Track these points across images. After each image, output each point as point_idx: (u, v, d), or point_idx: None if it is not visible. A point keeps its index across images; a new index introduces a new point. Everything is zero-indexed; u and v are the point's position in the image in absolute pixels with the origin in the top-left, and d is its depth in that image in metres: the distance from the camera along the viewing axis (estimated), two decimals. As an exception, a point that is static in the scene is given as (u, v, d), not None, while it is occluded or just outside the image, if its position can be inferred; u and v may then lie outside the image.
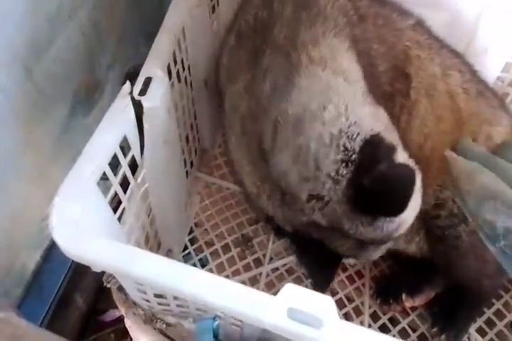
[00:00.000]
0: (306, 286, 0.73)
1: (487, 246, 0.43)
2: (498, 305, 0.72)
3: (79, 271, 0.73)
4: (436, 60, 0.60)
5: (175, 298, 0.45)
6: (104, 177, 0.48)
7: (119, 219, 0.51)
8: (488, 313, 0.71)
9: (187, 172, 0.76)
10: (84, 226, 0.38)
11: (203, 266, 0.75)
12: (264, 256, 0.77)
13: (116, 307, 0.59)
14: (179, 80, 0.65)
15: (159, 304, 0.49)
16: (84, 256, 0.35)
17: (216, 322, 0.45)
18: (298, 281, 0.74)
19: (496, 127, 0.61)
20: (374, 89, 0.51)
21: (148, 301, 0.49)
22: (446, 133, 0.56)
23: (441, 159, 0.55)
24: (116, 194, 0.50)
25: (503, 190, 0.45)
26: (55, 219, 0.37)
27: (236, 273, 0.74)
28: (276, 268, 0.75)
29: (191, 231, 0.79)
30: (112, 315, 0.81)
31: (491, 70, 0.78)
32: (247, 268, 0.75)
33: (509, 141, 0.59)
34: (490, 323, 0.71)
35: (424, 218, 0.60)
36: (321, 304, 0.37)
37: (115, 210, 0.49)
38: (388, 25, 0.60)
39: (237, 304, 0.35)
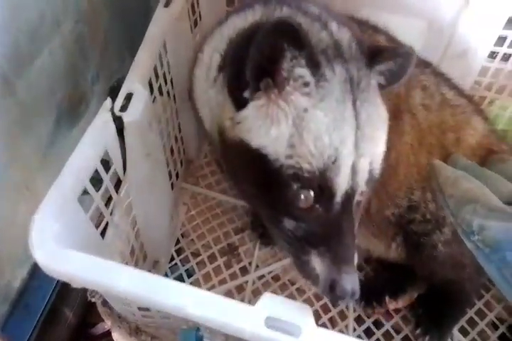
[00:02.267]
0: (291, 293, 0.75)
1: (464, 241, 0.45)
2: (479, 304, 0.74)
3: (67, 285, 0.73)
4: None
5: (160, 310, 0.46)
6: (87, 192, 0.48)
7: (103, 233, 0.52)
8: (470, 313, 0.73)
9: (172, 183, 0.77)
10: (65, 243, 0.38)
11: (189, 276, 0.76)
12: (250, 264, 0.78)
13: (104, 320, 0.59)
14: (161, 94, 0.67)
15: (144, 316, 0.49)
16: (62, 273, 0.36)
17: (200, 333, 0.46)
18: (284, 288, 0.76)
19: (467, 131, 0.63)
20: None
21: (133, 314, 0.50)
22: (407, 144, 0.59)
23: (406, 166, 0.59)
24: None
25: (485, 194, 0.47)
26: (34, 236, 0.37)
27: (223, 282, 0.75)
28: (262, 276, 0.77)
29: (178, 241, 0.80)
30: (102, 328, 0.81)
31: (468, 74, 0.81)
32: (233, 276, 0.76)
33: (496, 159, 0.62)
34: (472, 323, 0.72)
35: (399, 223, 0.61)
36: (299, 312, 0.38)
37: (100, 224, 0.50)
38: None
39: (216, 315, 0.36)
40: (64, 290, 0.73)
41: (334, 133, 0.41)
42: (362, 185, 0.43)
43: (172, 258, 0.77)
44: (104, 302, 0.52)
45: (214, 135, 0.51)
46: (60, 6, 0.63)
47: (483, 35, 0.76)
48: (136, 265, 0.63)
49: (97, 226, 0.50)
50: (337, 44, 0.44)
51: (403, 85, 0.62)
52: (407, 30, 0.75)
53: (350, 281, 0.41)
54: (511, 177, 0.51)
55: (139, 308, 0.47)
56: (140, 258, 0.66)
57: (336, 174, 0.41)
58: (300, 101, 0.41)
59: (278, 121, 0.41)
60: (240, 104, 0.44)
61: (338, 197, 0.42)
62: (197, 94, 0.55)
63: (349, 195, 0.42)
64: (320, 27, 0.45)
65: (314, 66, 0.41)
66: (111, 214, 0.53)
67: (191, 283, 0.75)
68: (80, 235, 0.44)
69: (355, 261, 0.44)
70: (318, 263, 0.42)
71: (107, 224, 0.53)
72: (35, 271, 0.69)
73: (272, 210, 0.45)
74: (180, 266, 0.77)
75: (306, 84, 0.41)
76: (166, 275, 0.75)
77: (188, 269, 0.77)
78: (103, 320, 0.78)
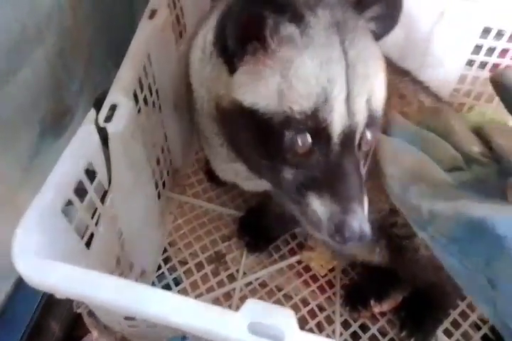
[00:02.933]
0: (279, 299, 0.75)
1: (417, 233, 0.43)
2: (462, 305, 0.75)
3: (53, 298, 0.72)
4: None
5: (144, 319, 0.46)
6: (72, 203, 0.49)
7: (89, 243, 0.52)
8: (454, 314, 0.74)
9: (159, 192, 0.78)
10: (48, 254, 0.39)
11: (177, 284, 0.76)
12: (237, 271, 0.78)
13: (91, 331, 0.59)
14: (146, 104, 0.67)
15: (130, 326, 0.50)
16: (46, 284, 0.36)
17: (186, 341, 0.46)
18: (271, 294, 0.76)
19: None
20: None
21: (119, 324, 0.50)
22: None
23: None
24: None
25: (428, 170, 0.44)
26: (16, 249, 0.38)
27: (210, 290, 0.75)
28: (250, 283, 0.77)
29: (165, 250, 0.80)
30: (90, 339, 0.80)
31: (447, 82, 0.83)
32: (220, 284, 0.76)
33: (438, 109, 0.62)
34: (455, 324, 0.73)
35: (382, 226, 0.63)
36: (282, 317, 0.38)
37: (85, 234, 0.51)
38: None
39: (200, 322, 0.36)
40: (49, 303, 0.72)
41: (322, 74, 0.41)
42: (361, 125, 0.42)
43: (159, 267, 0.78)
44: (90, 313, 0.52)
45: (211, 116, 0.52)
46: (42, 20, 0.63)
47: (461, 44, 0.78)
48: (122, 275, 0.63)
49: (82, 237, 0.50)
50: None
51: None
52: (385, 40, 0.78)
53: (358, 219, 0.40)
54: (444, 134, 0.49)
55: (125, 318, 0.47)
56: (126, 267, 0.66)
57: (328, 113, 0.41)
58: (286, 55, 0.42)
59: (266, 76, 0.42)
60: (233, 69, 0.45)
61: (336, 138, 0.41)
62: (194, 79, 0.57)
63: (348, 136, 0.42)
64: None
65: (298, 19, 0.42)
66: (96, 224, 0.54)
67: (179, 292, 0.75)
68: (64, 246, 0.44)
69: (365, 202, 0.42)
70: (318, 206, 0.41)
71: (92, 234, 0.53)
72: (20, 284, 0.69)
73: (272, 163, 0.44)
74: (167, 274, 0.77)
75: (291, 38, 0.42)
76: (154, 284, 0.75)
77: (175, 278, 0.77)
78: (90, 332, 0.78)
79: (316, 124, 0.41)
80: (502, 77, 0.45)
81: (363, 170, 0.45)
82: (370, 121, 0.43)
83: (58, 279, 0.36)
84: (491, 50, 0.79)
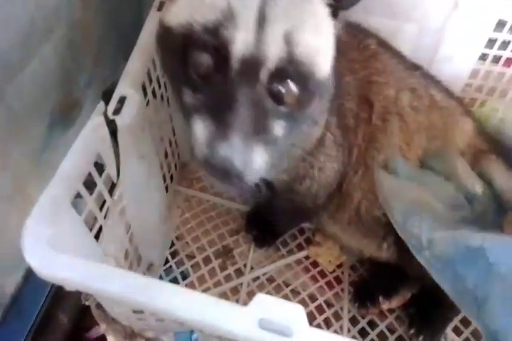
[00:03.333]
0: (286, 294, 0.75)
1: (415, 256, 0.45)
2: (472, 304, 0.74)
3: (61, 289, 0.73)
4: (391, 81, 0.64)
5: (152, 313, 0.46)
6: (81, 196, 0.49)
7: (97, 236, 0.52)
8: (463, 312, 0.73)
9: (167, 186, 0.78)
10: (58, 246, 0.39)
11: (184, 278, 0.76)
12: (244, 265, 0.78)
13: (99, 323, 0.59)
14: (155, 97, 0.67)
15: (138, 319, 0.50)
16: (56, 276, 0.36)
17: (194, 335, 0.46)
18: (278, 289, 0.76)
19: (455, 132, 0.65)
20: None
21: (127, 317, 0.50)
22: (395, 146, 0.60)
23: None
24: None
25: (429, 202, 0.46)
26: (27, 240, 0.38)
27: (217, 284, 0.75)
28: (257, 277, 0.77)
29: (172, 244, 0.80)
30: (96, 332, 0.81)
31: (459, 77, 0.82)
32: (228, 278, 0.76)
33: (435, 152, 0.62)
34: (465, 322, 0.73)
35: (389, 223, 0.62)
36: (291, 312, 0.38)
37: (94, 227, 0.51)
38: (353, 53, 0.63)
39: (209, 316, 0.36)
40: (58, 294, 0.73)
41: None
42: (272, 59, 0.38)
43: (167, 261, 0.78)
44: (98, 306, 0.52)
45: None
46: (52, 13, 0.63)
47: (474, 38, 0.77)
48: (130, 268, 0.63)
49: (90, 230, 0.50)
50: None
51: (392, 87, 0.64)
52: (397, 34, 0.77)
53: (232, 151, 0.36)
54: (448, 175, 0.51)
55: (133, 311, 0.47)
56: (134, 261, 0.66)
57: (231, 32, 0.37)
58: None
59: None
60: None
61: (236, 63, 0.37)
62: None
63: (251, 66, 0.37)
64: None
65: None
66: (105, 217, 0.54)
67: (186, 286, 0.75)
68: (73, 239, 0.44)
69: (258, 147, 0.38)
70: (199, 129, 0.38)
71: (100, 227, 0.53)
72: (29, 276, 0.69)
73: (178, 85, 0.42)
74: (175, 268, 0.77)
75: None
76: (161, 277, 0.75)
77: (182, 272, 0.77)
78: (98, 324, 0.78)
79: (217, 42, 0.37)
80: None
81: (278, 123, 0.41)
82: (292, 66, 0.39)
83: (68, 271, 0.36)
84: (505, 44, 0.77)
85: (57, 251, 0.37)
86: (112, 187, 0.58)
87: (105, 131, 0.51)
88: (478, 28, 0.75)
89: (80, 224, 0.46)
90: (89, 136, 0.48)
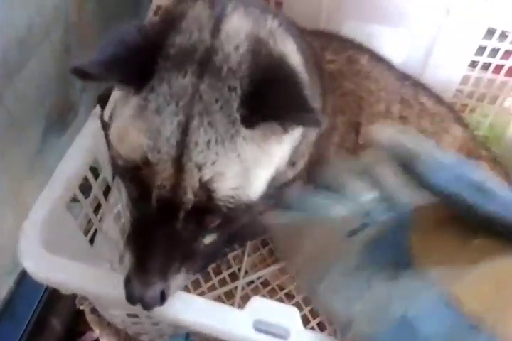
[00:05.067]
0: (281, 298, 0.75)
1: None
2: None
3: (55, 294, 0.73)
4: (383, 95, 0.65)
5: (148, 316, 0.46)
6: (76, 200, 0.49)
7: (92, 240, 0.52)
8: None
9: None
10: (54, 250, 0.39)
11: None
12: (239, 270, 0.78)
13: (93, 328, 0.59)
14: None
15: (133, 323, 0.50)
16: (52, 280, 0.36)
17: (190, 339, 0.46)
18: (273, 293, 0.76)
19: (446, 138, 0.65)
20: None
21: (122, 321, 0.50)
22: None
23: None
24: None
25: (328, 249, 0.40)
26: (22, 243, 0.38)
27: (212, 289, 0.75)
28: (252, 282, 0.77)
29: (167, 248, 0.79)
30: (90, 336, 0.80)
31: (450, 83, 0.83)
32: (222, 282, 0.76)
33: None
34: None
35: None
36: (287, 315, 0.39)
37: (89, 231, 0.51)
38: (348, 71, 0.65)
39: (205, 319, 0.36)
40: (51, 299, 0.72)
41: (146, 142, 0.37)
42: (188, 200, 0.37)
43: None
44: (93, 310, 0.52)
45: None
46: (49, 15, 0.64)
47: (464, 45, 0.79)
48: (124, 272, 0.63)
49: (85, 233, 0.50)
50: (210, 51, 0.39)
51: (383, 102, 0.65)
52: (390, 41, 0.78)
53: (140, 289, 0.37)
54: (334, 187, 0.46)
55: (128, 315, 0.47)
56: (129, 265, 0.66)
57: (149, 178, 0.37)
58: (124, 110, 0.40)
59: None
60: None
61: (155, 202, 0.38)
62: None
63: (169, 206, 0.38)
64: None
65: (142, 77, 0.39)
66: (100, 221, 0.54)
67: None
68: (68, 242, 0.44)
69: (170, 275, 0.38)
70: (127, 258, 0.39)
71: (95, 231, 0.53)
72: (22, 280, 0.69)
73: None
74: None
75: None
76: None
77: (177, 276, 0.77)
78: (91, 329, 0.77)
79: (138, 182, 0.38)
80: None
81: (201, 242, 0.41)
82: (211, 206, 0.38)
83: (64, 274, 0.36)
84: (494, 51, 0.79)
85: (53, 254, 0.37)
86: (107, 191, 0.58)
87: (101, 134, 0.51)
88: (469, 36, 0.77)
89: (76, 227, 0.46)
90: (86, 139, 0.49)
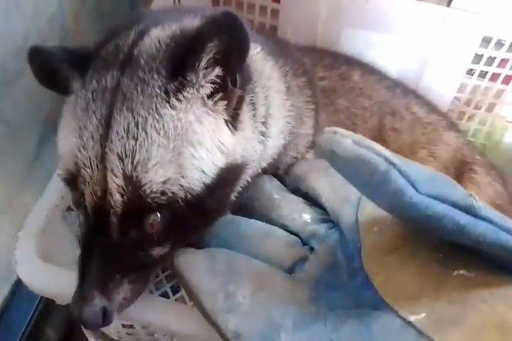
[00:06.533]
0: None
1: None
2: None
3: (50, 304, 0.72)
4: (375, 108, 0.66)
5: (143, 327, 0.45)
6: (71, 209, 0.48)
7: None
8: None
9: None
10: (49, 259, 0.38)
11: (174, 292, 0.75)
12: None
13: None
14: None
15: (128, 334, 0.49)
16: (47, 290, 0.36)
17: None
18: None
19: (439, 146, 0.65)
20: None
21: (117, 331, 0.49)
22: None
23: None
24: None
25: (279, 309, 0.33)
26: (18, 253, 0.37)
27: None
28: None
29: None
30: (85, 346, 0.79)
31: (448, 90, 0.83)
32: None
33: None
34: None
35: None
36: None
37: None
38: (341, 88, 0.65)
39: (200, 331, 0.36)
40: (46, 309, 0.71)
41: (75, 141, 0.37)
42: (117, 202, 0.35)
43: (157, 275, 0.76)
44: (88, 320, 0.51)
45: None
46: (45, 24, 0.64)
47: (461, 53, 0.79)
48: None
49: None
50: (131, 47, 0.39)
51: (375, 116, 0.65)
52: (388, 49, 0.78)
53: (78, 306, 0.35)
54: (266, 211, 0.42)
55: (123, 325, 0.47)
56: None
57: (81, 186, 0.37)
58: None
59: None
60: None
61: (89, 210, 0.37)
62: None
63: (100, 213, 0.36)
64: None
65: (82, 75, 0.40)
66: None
67: (176, 300, 0.74)
68: (64, 251, 0.43)
69: (119, 291, 0.36)
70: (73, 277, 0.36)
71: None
72: (17, 289, 0.68)
73: None
74: (165, 282, 0.76)
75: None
76: (151, 292, 0.74)
77: (173, 286, 0.76)
78: (85, 339, 0.77)
79: (74, 189, 0.38)
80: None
81: (148, 251, 0.38)
82: (142, 208, 0.36)
83: (60, 285, 0.35)
84: (491, 60, 0.79)
85: (49, 263, 0.37)
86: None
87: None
88: (465, 44, 0.77)
89: (71, 237, 0.46)
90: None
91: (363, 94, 0.67)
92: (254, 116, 0.42)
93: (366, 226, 0.36)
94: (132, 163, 0.35)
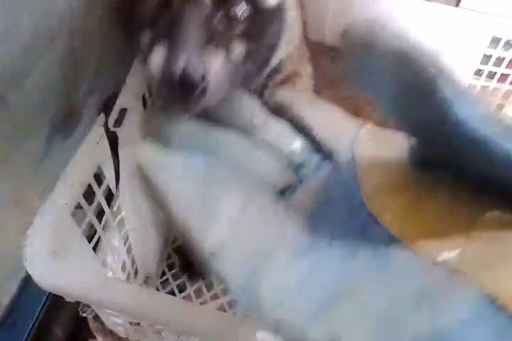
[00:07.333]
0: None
1: None
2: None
3: (57, 302, 0.72)
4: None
5: (151, 325, 0.45)
6: (80, 207, 0.48)
7: (95, 247, 0.52)
8: None
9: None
10: (59, 257, 0.38)
11: (181, 291, 0.75)
12: (242, 278, 0.77)
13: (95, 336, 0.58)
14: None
15: (135, 332, 0.49)
16: (58, 287, 0.36)
17: (192, 348, 0.45)
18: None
19: None
20: None
21: (125, 329, 0.49)
22: None
23: None
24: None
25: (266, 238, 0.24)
26: (28, 250, 0.37)
27: (215, 297, 0.74)
28: (255, 291, 0.76)
29: (169, 256, 0.79)
30: (92, 344, 0.80)
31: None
32: (225, 291, 0.75)
33: None
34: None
35: None
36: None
37: (92, 238, 0.50)
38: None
39: (209, 328, 0.36)
40: (53, 307, 0.72)
41: None
42: None
43: (163, 274, 0.77)
44: (96, 318, 0.51)
45: None
46: (55, 22, 0.64)
47: (469, 54, 0.79)
48: (127, 280, 0.62)
49: (89, 241, 0.50)
50: None
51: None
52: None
53: (184, 59, 0.35)
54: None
55: (130, 323, 0.47)
56: (131, 273, 0.65)
57: None
58: None
59: None
60: None
61: None
62: None
63: None
64: None
65: None
66: (103, 228, 0.53)
67: (183, 298, 0.74)
68: (73, 250, 0.44)
69: (217, 60, 0.37)
70: (154, 53, 0.39)
71: (98, 238, 0.53)
72: (24, 287, 0.68)
73: (133, 33, 0.48)
74: (171, 281, 0.76)
75: None
76: (158, 290, 0.75)
77: (179, 284, 0.76)
78: (94, 337, 0.77)
79: None
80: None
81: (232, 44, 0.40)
82: None
83: (72, 283, 0.36)
84: (499, 60, 0.79)
85: (59, 261, 0.37)
86: (110, 199, 0.58)
87: (106, 142, 0.51)
88: (473, 44, 0.77)
89: (80, 235, 0.46)
90: (91, 147, 0.49)
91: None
92: None
93: (366, 167, 0.32)
94: None
